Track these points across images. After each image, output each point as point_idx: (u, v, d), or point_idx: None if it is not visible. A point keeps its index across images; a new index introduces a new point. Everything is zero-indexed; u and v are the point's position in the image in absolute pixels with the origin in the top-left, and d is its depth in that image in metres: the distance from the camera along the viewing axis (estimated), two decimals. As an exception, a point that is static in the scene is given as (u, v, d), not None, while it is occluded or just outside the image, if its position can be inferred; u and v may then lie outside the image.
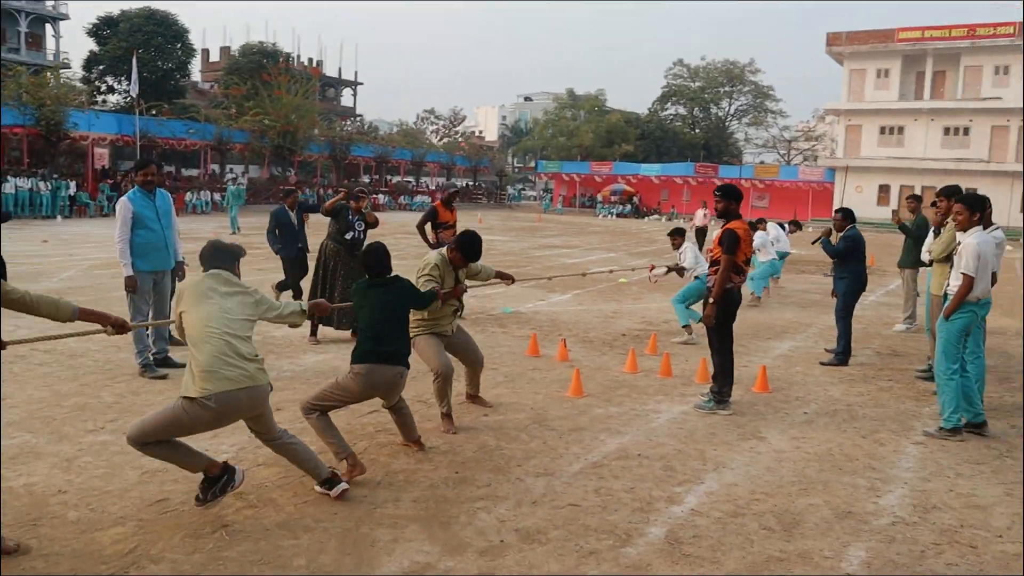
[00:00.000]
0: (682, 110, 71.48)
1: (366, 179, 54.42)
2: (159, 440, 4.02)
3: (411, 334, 5.65)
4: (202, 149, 41.95)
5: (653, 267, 10.70)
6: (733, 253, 6.33)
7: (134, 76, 36.04)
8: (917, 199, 10.89)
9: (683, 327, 9.65)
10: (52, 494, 4.44)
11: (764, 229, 14.07)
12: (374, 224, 8.88)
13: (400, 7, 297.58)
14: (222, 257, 4.41)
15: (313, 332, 8.74)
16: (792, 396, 7.30)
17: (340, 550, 3.87)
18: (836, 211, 9.11)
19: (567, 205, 58.47)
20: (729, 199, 6.52)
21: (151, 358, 7.24)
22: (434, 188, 56.55)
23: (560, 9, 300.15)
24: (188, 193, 36.54)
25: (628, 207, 52.29)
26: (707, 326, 6.59)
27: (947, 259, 7.15)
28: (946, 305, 6.11)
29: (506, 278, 6.80)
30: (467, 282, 6.35)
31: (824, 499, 4.84)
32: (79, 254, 17.87)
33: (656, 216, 50.35)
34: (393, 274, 5.20)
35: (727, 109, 71.02)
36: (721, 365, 6.65)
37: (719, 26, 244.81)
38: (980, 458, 5.77)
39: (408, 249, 19.21)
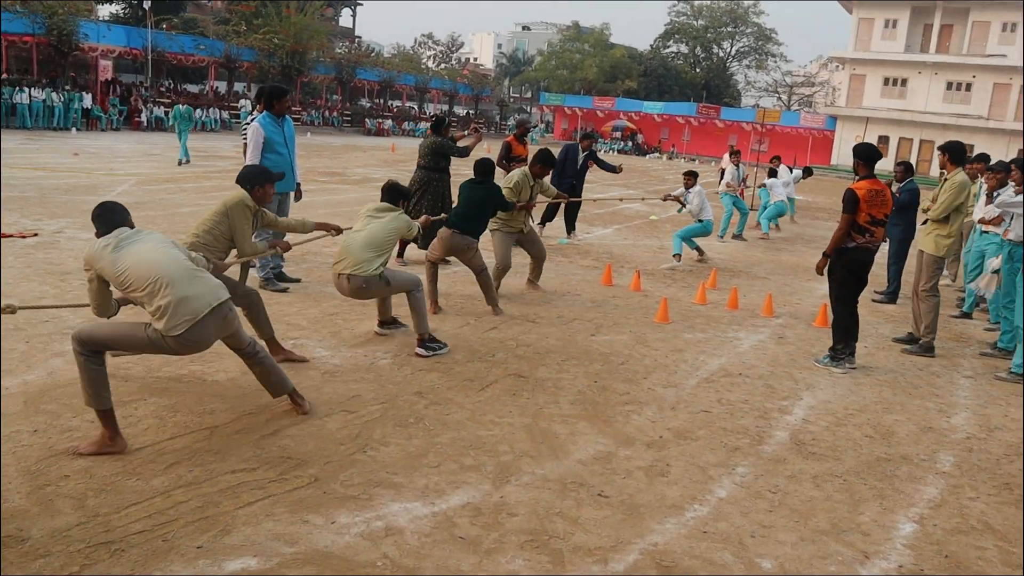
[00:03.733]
0: (684, 48, 71.25)
1: (365, 103, 54.28)
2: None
3: (491, 228, 7.95)
4: (210, 65, 41.68)
5: (667, 197, 11.37)
6: (848, 212, 6.41)
7: (146, -12, 35.71)
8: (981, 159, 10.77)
9: (673, 255, 11.01)
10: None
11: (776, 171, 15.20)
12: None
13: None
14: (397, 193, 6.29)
15: (400, 254, 9.41)
16: (849, 332, 8.12)
17: (532, 440, 4.66)
18: (897, 164, 9.86)
19: (566, 138, 58.54)
20: (857, 158, 6.59)
21: (271, 273, 7.88)
22: (435, 114, 56.48)
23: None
24: (197, 110, 36.49)
25: (629, 144, 52.64)
26: (817, 273, 6.88)
27: (945, 219, 7.54)
28: None
29: (563, 198, 9.34)
30: (539, 197, 8.62)
31: (905, 416, 5.69)
32: (119, 168, 18.27)
33: (657, 155, 50.78)
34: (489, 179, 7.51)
35: (729, 50, 70.86)
36: (835, 322, 6.77)
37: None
38: (1025, 391, 6.64)
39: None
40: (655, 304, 8.21)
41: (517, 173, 8.31)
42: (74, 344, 4.08)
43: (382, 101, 53.94)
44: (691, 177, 11.01)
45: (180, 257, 4.16)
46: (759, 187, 16.37)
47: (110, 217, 4.14)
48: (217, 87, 43.33)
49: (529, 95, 78.70)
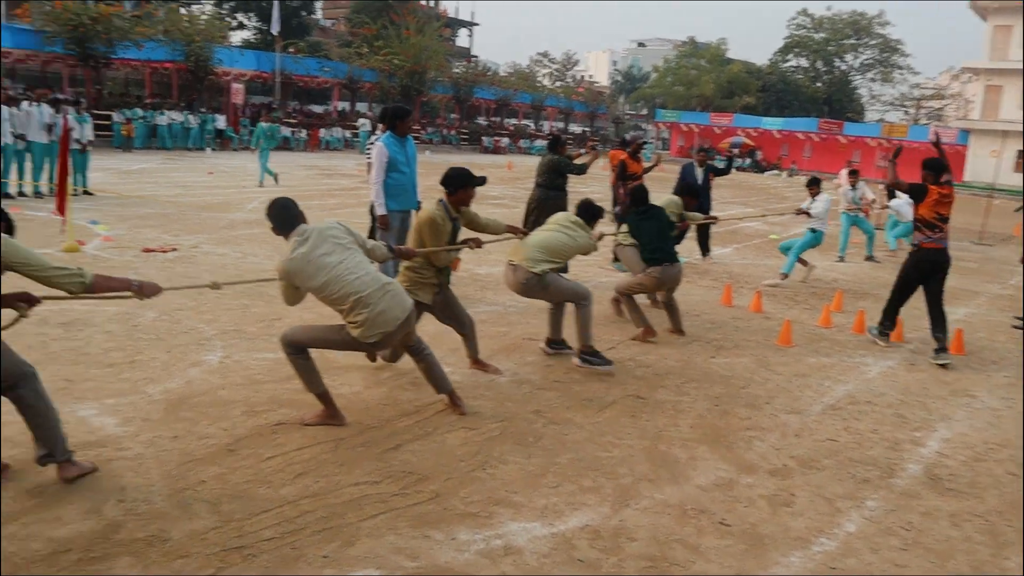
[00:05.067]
0: (804, 62, 69.22)
1: (483, 121, 55.14)
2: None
3: (620, 242, 7.90)
4: (333, 87, 43.32)
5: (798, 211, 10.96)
6: (915, 193, 7.29)
7: (275, 14, 37.51)
8: None
9: (781, 273, 10.62)
10: (374, 403, 5.30)
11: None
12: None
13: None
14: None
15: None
16: (987, 360, 7.67)
17: (651, 463, 4.59)
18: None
19: (682, 155, 57.75)
20: (925, 169, 7.35)
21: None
22: (552, 133, 57.06)
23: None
24: (321, 130, 37.99)
25: (748, 161, 51.49)
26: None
27: None
28: None
29: (710, 219, 9.88)
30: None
31: (1053, 453, 5.31)
32: (249, 186, 19.15)
33: (776, 172, 49.48)
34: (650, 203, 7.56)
35: (851, 63, 68.42)
36: (887, 304, 7.79)
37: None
38: None
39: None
40: (777, 326, 7.98)
41: (674, 201, 8.58)
42: (283, 347, 4.74)
43: (499, 119, 54.69)
44: (815, 185, 10.70)
45: (370, 270, 4.63)
46: (883, 208, 15.76)
47: (285, 215, 4.60)
48: (340, 107, 44.99)
49: (645, 112, 78.13)
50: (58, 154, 10.49)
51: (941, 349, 7.25)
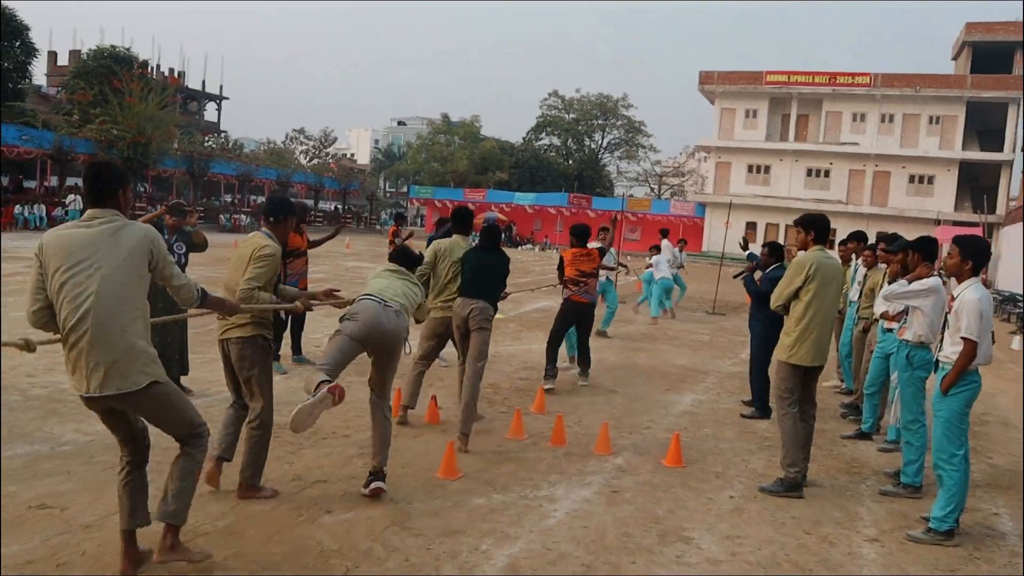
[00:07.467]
0: (556, 141, 71.58)
1: (228, 198, 51.53)
2: None
3: None
4: (39, 158, 38.07)
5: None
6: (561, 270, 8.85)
7: (-41, 74, 32.33)
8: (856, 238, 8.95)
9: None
10: None
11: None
12: (201, 245, 7.32)
13: (271, 23, 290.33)
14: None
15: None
16: (710, 472, 6.04)
17: None
18: (763, 245, 8.07)
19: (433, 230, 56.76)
20: (572, 234, 8.90)
21: None
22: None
23: (435, 37, 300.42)
24: (17, 207, 32.82)
25: (503, 236, 51.37)
26: None
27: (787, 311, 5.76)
28: (944, 377, 4.93)
29: None
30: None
31: (790, 642, 3.53)
32: None
33: (529, 246, 49.66)
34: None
35: (600, 142, 71.64)
36: (549, 341, 8.52)
37: (596, 64, 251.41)
38: (950, 563, 4.65)
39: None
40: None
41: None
42: None
43: (242, 196, 51.13)
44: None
45: None
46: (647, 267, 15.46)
47: None
48: (51, 182, 39.66)
49: (405, 189, 77.26)
50: None
51: (584, 373, 8.78)
